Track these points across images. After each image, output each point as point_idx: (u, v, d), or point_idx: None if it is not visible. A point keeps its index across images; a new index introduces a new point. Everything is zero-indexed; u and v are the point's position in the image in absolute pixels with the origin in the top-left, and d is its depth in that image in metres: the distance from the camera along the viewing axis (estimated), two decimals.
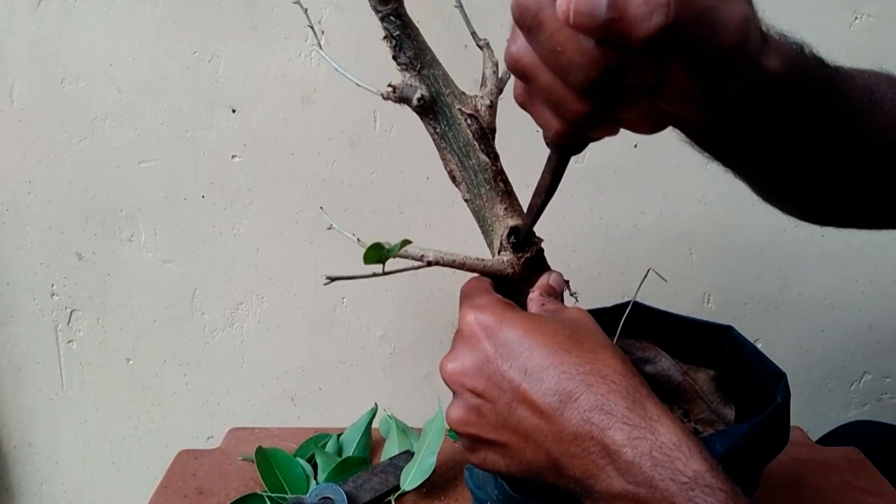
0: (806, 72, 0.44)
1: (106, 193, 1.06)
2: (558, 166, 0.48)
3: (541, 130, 0.45)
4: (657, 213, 1.06)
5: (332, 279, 0.47)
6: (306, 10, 0.56)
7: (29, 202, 1.07)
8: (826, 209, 0.60)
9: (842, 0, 0.97)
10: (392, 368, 1.14)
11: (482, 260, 0.52)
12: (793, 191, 0.58)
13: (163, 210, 1.07)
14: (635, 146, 1.02)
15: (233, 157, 1.04)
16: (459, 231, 1.04)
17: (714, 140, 0.52)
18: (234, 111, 1.02)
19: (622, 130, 0.44)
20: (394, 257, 0.48)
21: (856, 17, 0.98)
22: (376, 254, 0.47)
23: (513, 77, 0.43)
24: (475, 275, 0.52)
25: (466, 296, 0.49)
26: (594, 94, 0.38)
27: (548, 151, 0.48)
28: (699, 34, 0.35)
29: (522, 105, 0.44)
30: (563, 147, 0.46)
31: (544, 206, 0.51)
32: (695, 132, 0.52)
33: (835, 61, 0.50)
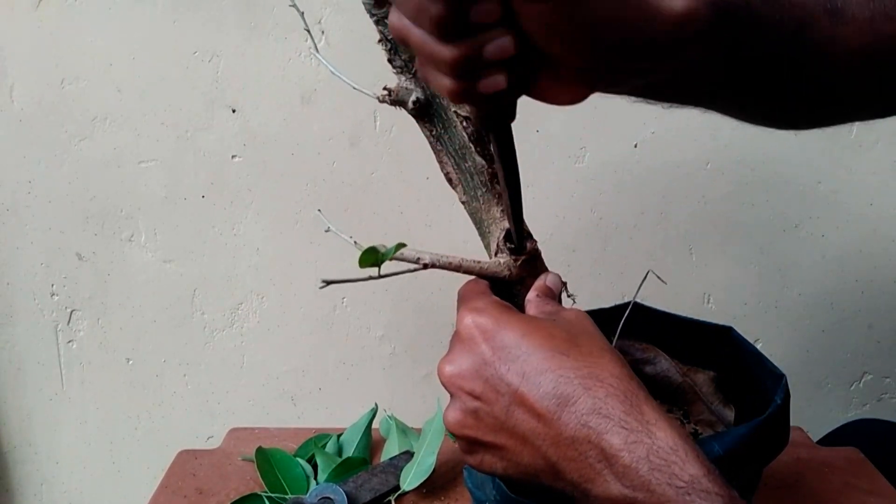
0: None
1: (106, 193, 1.06)
2: (499, 143, 0.43)
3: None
4: (657, 213, 1.06)
5: (328, 283, 0.47)
6: (303, 13, 0.55)
7: (29, 202, 1.07)
8: (796, 116, 0.57)
9: None
10: (392, 368, 1.14)
11: (479, 262, 0.51)
12: (758, 107, 0.54)
13: (163, 210, 1.07)
14: (635, 146, 1.02)
15: (233, 157, 1.04)
16: (459, 231, 1.04)
17: (652, 91, 0.48)
18: (234, 111, 1.02)
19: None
20: (390, 260, 0.48)
21: None
22: (371, 258, 0.46)
23: None
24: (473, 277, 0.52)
25: (464, 298, 0.49)
26: (452, 34, 0.36)
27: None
28: None
29: (427, 83, 0.41)
30: (486, 115, 0.41)
31: (517, 203, 0.48)
32: (622, 89, 0.47)
33: None
